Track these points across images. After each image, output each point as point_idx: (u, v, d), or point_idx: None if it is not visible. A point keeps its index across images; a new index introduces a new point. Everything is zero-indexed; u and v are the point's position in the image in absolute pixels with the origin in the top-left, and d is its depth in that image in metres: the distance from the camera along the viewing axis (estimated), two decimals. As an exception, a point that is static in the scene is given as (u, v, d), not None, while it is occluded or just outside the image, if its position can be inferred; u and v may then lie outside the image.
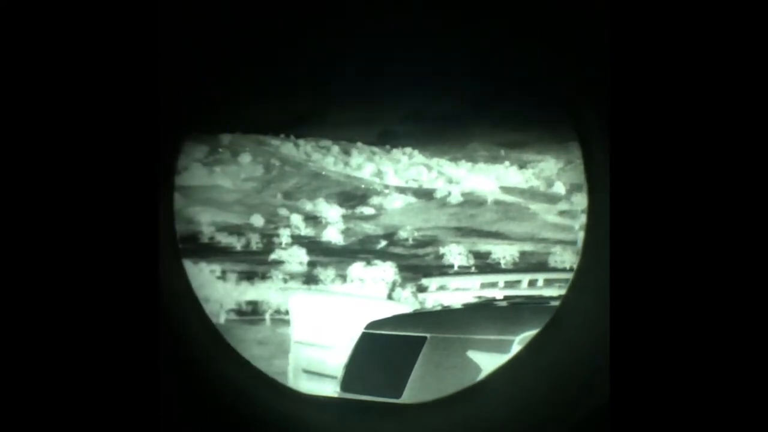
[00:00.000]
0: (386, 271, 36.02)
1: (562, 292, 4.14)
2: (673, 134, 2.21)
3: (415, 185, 69.54)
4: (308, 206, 59.12)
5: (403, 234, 52.08)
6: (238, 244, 48.59)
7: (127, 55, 2.18)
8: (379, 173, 72.59)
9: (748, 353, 2.13)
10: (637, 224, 2.21)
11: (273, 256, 43.32)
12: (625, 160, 2.25)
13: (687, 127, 2.20)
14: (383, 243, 50.66)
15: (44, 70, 2.15)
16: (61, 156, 2.15)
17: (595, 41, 2.58)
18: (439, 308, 6.85)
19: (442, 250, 47.18)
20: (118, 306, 2.15)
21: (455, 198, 63.01)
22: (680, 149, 2.20)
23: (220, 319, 25.98)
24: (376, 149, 79.24)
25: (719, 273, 2.17)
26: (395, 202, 62.48)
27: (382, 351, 4.61)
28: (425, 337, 4.42)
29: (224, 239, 49.43)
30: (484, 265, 43.31)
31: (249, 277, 34.76)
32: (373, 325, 4.82)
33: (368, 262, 37.62)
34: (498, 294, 8.66)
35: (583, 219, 3.70)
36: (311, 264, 42.01)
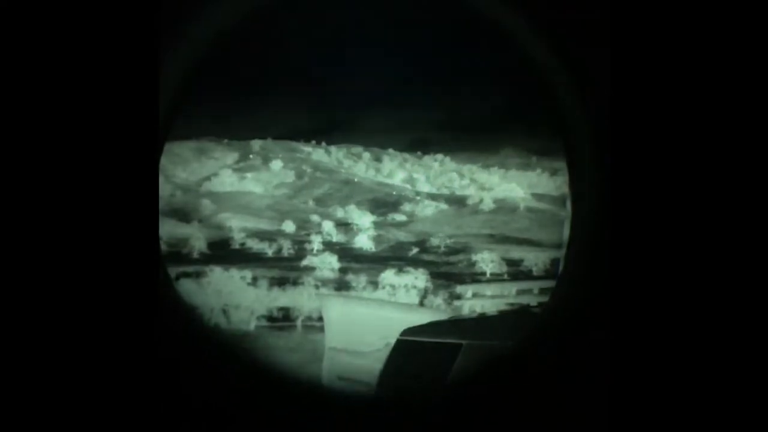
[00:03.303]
0: (418, 278, 35.86)
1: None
2: (666, 144, 2.24)
3: (446, 192, 69.36)
4: (340, 213, 59.22)
5: (434, 241, 51.91)
6: (269, 250, 48.73)
7: (126, 51, 2.17)
8: (410, 180, 72.53)
9: (747, 351, 2.17)
10: (630, 229, 2.30)
11: (304, 263, 43.37)
12: (620, 171, 2.32)
13: (679, 138, 2.24)
14: (415, 250, 50.49)
15: (49, 62, 2.14)
16: (60, 155, 2.14)
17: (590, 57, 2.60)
18: (474, 315, 6.80)
19: (474, 257, 46.84)
20: (109, 313, 2.13)
21: (487, 205, 62.73)
22: (673, 158, 2.23)
23: (250, 326, 25.98)
24: (407, 156, 79.22)
25: (701, 263, 2.23)
26: (427, 209, 62.34)
27: (418, 358, 4.58)
28: (461, 344, 4.40)
29: (255, 245, 49.62)
30: (517, 272, 42.97)
31: (280, 283, 34.77)
32: (408, 332, 4.80)
33: (400, 269, 37.48)
34: (533, 301, 8.58)
35: None
36: (343, 270, 41.95)
